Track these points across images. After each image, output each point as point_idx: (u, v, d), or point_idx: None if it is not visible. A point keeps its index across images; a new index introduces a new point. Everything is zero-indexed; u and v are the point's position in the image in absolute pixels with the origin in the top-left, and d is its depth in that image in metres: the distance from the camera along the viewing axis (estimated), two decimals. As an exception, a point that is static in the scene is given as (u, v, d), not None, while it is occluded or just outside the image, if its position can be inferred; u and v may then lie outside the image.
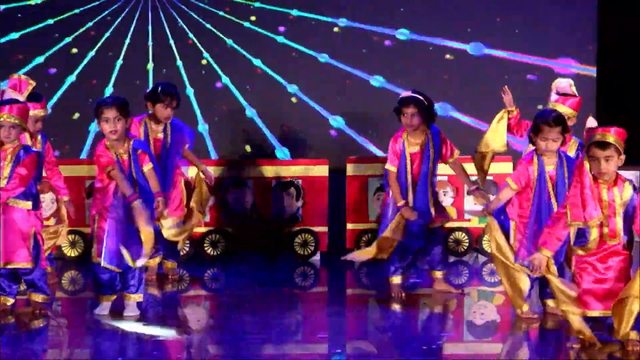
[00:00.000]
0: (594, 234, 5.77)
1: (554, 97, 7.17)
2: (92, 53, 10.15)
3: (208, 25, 10.21)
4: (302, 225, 9.23)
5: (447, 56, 10.22)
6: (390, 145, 7.39)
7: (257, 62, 10.21)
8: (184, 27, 10.17)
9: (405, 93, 7.45)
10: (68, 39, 10.14)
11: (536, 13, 10.22)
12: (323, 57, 10.24)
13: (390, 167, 7.35)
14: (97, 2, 10.13)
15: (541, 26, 10.19)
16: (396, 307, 7.29)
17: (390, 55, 10.24)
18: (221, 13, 10.21)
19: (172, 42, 10.17)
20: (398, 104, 7.34)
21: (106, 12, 10.11)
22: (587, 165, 5.74)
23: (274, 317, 6.89)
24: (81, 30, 10.14)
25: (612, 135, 5.71)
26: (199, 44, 10.20)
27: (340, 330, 6.80)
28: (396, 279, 7.43)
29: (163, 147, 7.82)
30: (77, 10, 10.15)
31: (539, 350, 6.28)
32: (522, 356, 6.16)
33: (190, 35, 10.20)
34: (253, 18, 10.22)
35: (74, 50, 10.15)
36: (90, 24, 10.14)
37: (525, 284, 6.59)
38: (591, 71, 10.15)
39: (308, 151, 10.13)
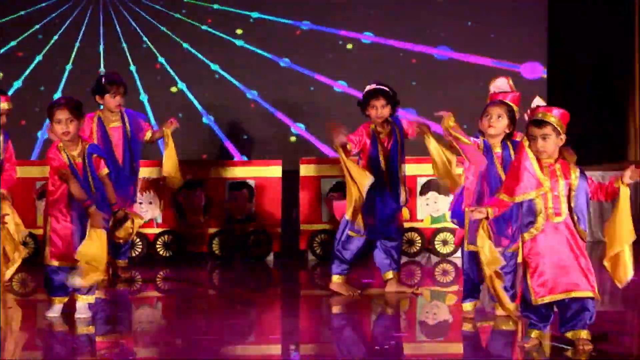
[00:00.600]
0: (539, 211, 5.82)
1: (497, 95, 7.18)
2: (39, 57, 9.98)
3: (163, 28, 10.13)
4: (255, 226, 9.21)
5: (413, 60, 10.24)
6: (358, 130, 7.42)
7: (214, 66, 10.15)
8: (138, 30, 10.06)
9: (370, 86, 7.48)
10: (13, 43, 9.97)
11: (490, 16, 10.28)
12: (284, 62, 10.20)
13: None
14: (44, 4, 9.95)
15: (491, 29, 10.25)
16: (350, 307, 7.30)
17: (354, 59, 10.22)
18: (177, 15, 10.14)
19: (124, 45, 10.05)
20: (366, 97, 7.38)
21: (54, 14, 9.95)
22: (525, 144, 5.82)
23: (226, 318, 6.87)
24: (27, 33, 9.96)
25: (552, 116, 5.80)
26: (153, 48, 10.11)
27: (294, 331, 6.80)
28: (338, 278, 7.48)
29: (124, 136, 7.86)
30: (22, 12, 9.97)
31: (489, 349, 6.31)
32: (473, 355, 6.19)
33: (145, 38, 10.10)
34: (210, 21, 10.16)
35: (20, 54, 9.97)
36: (37, 26, 9.97)
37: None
38: (542, 73, 10.24)
39: (258, 149, 10.11)
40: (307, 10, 10.18)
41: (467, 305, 6.74)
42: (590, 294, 5.81)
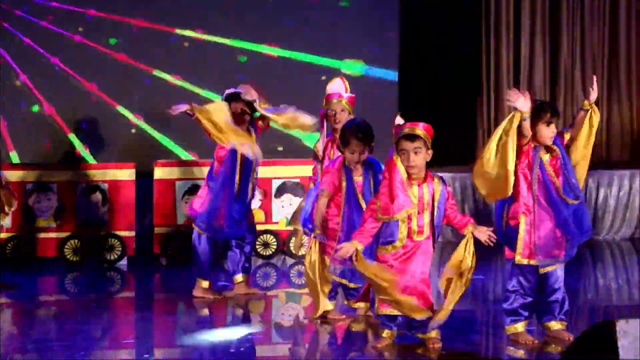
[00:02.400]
0: (402, 230, 5.89)
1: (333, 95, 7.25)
2: None
3: (5, 24, 9.91)
4: (109, 230, 9.09)
5: (241, 58, 10.26)
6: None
7: (54, 60, 9.99)
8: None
9: (228, 91, 7.48)
10: None
11: (340, 17, 10.38)
12: (122, 57, 10.11)
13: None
14: None
15: (345, 30, 10.36)
16: (205, 310, 7.27)
17: (188, 55, 10.19)
18: (18, 12, 9.93)
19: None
20: (227, 100, 7.37)
21: None
22: (397, 160, 5.88)
23: (78, 323, 6.75)
24: None
25: (420, 130, 5.90)
26: (-8, 42, 9.89)
27: (147, 335, 6.73)
28: (204, 283, 7.45)
29: None
30: None
31: (343, 350, 6.38)
32: (326, 356, 6.24)
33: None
34: (51, 17, 10.00)
35: None
36: None
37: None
38: (393, 75, 10.40)
39: (111, 152, 9.97)
40: (142, 7, 10.14)
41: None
42: (428, 314, 5.92)
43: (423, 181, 5.92)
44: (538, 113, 5.98)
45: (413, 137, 5.85)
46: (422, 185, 5.92)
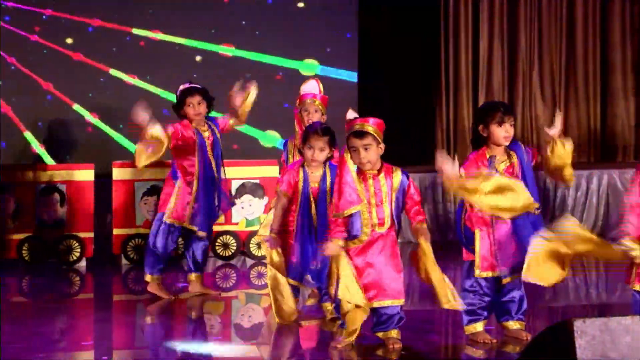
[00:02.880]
0: (365, 224, 5.90)
1: (307, 95, 7.29)
2: None
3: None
4: (67, 231, 9.03)
5: (197, 57, 10.24)
6: (179, 125, 7.37)
7: (11, 60, 9.91)
8: None
9: (183, 86, 7.45)
10: None
11: (299, 18, 10.39)
12: (78, 56, 10.04)
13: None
14: None
15: (303, 30, 10.37)
16: (163, 311, 7.25)
17: (144, 55, 10.15)
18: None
19: None
20: (181, 96, 7.36)
21: None
22: (347, 157, 5.89)
23: (37, 325, 6.71)
24: None
25: (370, 126, 5.88)
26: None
27: (107, 337, 6.70)
28: (153, 279, 7.47)
29: None
30: None
31: (303, 350, 6.39)
32: (285, 356, 6.25)
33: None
34: (7, 17, 9.92)
35: None
36: None
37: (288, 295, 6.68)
38: (352, 76, 10.42)
39: (68, 152, 9.90)
40: (99, 7, 10.08)
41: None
42: (399, 302, 5.95)
43: (379, 173, 5.93)
44: (489, 113, 5.95)
45: (362, 134, 5.85)
46: (379, 177, 5.92)
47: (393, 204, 5.93)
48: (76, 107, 10.04)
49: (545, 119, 11.28)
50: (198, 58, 10.24)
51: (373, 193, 5.90)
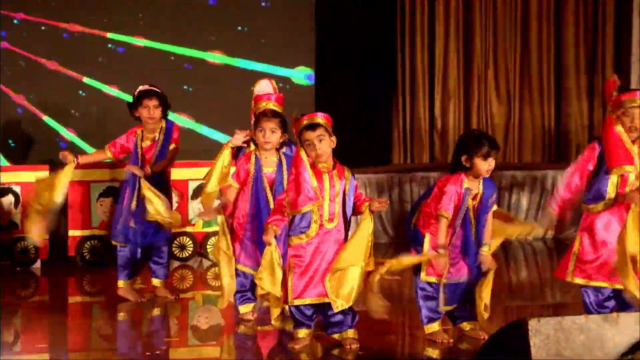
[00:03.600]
0: (315, 219, 5.93)
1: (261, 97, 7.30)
2: None
3: None
4: (22, 233, 8.95)
5: (185, 65, 10.18)
6: (124, 136, 7.44)
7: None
8: None
9: (143, 87, 7.46)
10: None
11: (256, 20, 10.37)
12: (53, 64, 9.91)
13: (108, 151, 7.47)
14: None
15: (261, 33, 10.35)
16: (120, 313, 7.21)
17: (126, 63, 10.05)
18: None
19: None
20: (138, 97, 7.36)
21: None
22: (301, 153, 5.91)
23: (-9, 328, 6.65)
24: None
25: (319, 118, 5.95)
26: None
27: (62, 339, 6.65)
28: (123, 284, 7.45)
29: None
30: None
31: (259, 351, 6.39)
32: (241, 356, 6.24)
33: None
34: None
35: None
36: None
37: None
38: (310, 78, 10.43)
39: (23, 152, 9.81)
40: (75, 13, 9.95)
41: (244, 307, 6.80)
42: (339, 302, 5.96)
43: (333, 169, 5.96)
44: (475, 146, 6.00)
45: (314, 126, 5.91)
46: (332, 173, 5.96)
47: (345, 202, 5.97)
48: (46, 117, 9.93)
49: (500, 118, 11.37)
50: (165, 62, 10.08)
51: (327, 189, 5.93)
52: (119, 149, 7.45)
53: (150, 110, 7.34)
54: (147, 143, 7.41)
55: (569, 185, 6.18)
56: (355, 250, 5.88)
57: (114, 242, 7.49)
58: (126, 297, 7.44)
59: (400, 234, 10.05)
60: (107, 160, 8.01)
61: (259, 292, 6.07)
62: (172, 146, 7.45)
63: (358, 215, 6.01)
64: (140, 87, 7.46)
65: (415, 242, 6.11)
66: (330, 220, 5.95)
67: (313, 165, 5.93)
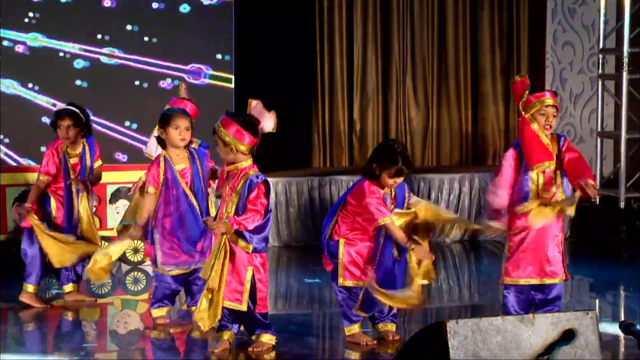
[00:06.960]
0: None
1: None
2: None
3: None
4: None
5: (76, 63, 10.05)
6: (46, 154, 7.43)
7: None
8: None
9: (60, 105, 7.50)
10: None
11: (174, 21, 10.29)
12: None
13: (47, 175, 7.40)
14: None
15: (179, 34, 10.28)
16: (36, 320, 7.13)
17: (22, 61, 9.89)
18: None
19: None
20: (55, 116, 7.38)
21: None
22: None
23: None
24: None
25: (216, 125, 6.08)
26: None
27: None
28: (31, 288, 7.39)
29: None
30: None
31: (183, 354, 6.37)
32: (165, 356, 6.23)
33: None
34: None
35: None
36: None
37: None
38: (229, 81, 10.40)
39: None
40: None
41: (157, 311, 6.80)
42: (236, 306, 5.98)
43: (241, 172, 6.01)
44: (387, 163, 6.06)
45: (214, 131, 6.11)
46: (239, 175, 6.01)
47: (238, 203, 5.99)
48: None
49: (418, 123, 11.46)
50: (79, 64, 9.95)
51: (228, 192, 5.98)
52: (55, 170, 7.40)
53: (63, 130, 7.32)
54: (75, 160, 7.43)
55: (502, 196, 6.28)
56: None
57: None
58: (29, 302, 7.36)
59: (317, 237, 10.08)
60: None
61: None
62: (97, 163, 7.54)
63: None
64: (57, 107, 7.51)
65: (330, 252, 6.21)
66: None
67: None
